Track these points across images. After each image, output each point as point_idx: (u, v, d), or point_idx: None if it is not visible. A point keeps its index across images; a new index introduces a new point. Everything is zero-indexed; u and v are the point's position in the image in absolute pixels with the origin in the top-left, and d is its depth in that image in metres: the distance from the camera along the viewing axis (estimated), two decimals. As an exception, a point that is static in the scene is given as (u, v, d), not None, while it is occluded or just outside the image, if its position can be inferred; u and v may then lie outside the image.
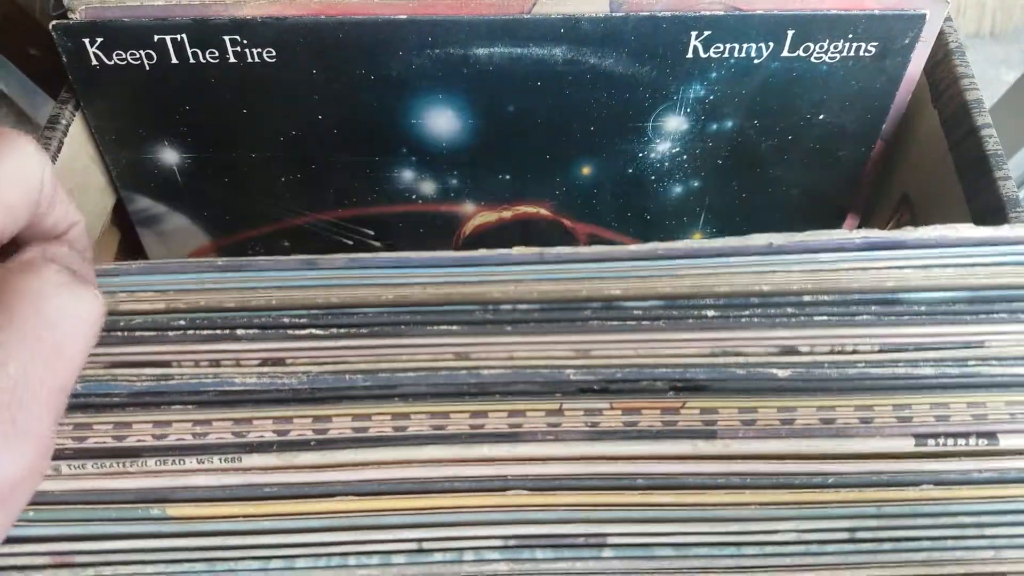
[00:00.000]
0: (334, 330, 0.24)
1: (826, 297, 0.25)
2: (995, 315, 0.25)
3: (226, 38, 0.34)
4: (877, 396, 0.24)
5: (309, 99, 0.36)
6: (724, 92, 0.37)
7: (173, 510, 0.24)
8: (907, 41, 0.36)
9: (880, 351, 0.24)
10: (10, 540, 0.24)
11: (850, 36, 0.35)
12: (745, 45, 0.35)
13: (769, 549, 0.23)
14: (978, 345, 0.24)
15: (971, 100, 0.37)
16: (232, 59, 0.35)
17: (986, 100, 0.37)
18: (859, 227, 0.45)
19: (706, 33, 0.35)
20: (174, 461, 0.24)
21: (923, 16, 0.35)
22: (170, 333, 0.24)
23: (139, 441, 0.24)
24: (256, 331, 0.24)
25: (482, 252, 0.25)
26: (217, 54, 0.34)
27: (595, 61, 0.36)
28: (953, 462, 0.24)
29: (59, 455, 0.24)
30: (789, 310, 0.24)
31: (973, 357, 0.24)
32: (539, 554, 0.23)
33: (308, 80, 0.36)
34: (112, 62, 0.35)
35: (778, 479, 0.24)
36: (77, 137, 0.36)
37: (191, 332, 0.24)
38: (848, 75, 0.37)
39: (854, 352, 0.24)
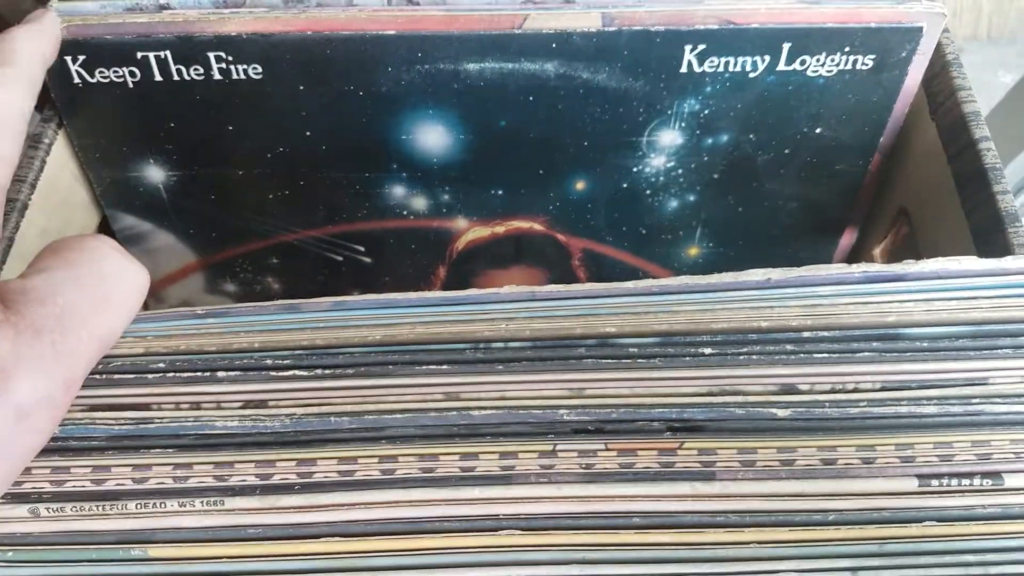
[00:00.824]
0: (318, 371, 0.23)
1: (826, 333, 0.24)
2: (999, 350, 0.24)
3: (211, 55, 0.33)
4: (879, 436, 0.23)
5: (296, 115, 0.36)
6: (719, 106, 0.36)
7: (155, 551, 0.23)
8: (904, 54, 0.35)
9: (882, 389, 0.24)
10: None
11: (847, 49, 0.35)
12: (740, 59, 0.35)
13: None
14: (982, 382, 0.24)
15: (968, 112, 0.36)
16: (217, 76, 0.34)
17: (984, 103, 0.37)
18: (857, 240, 0.45)
19: (700, 47, 0.34)
20: (154, 504, 0.23)
21: (920, 29, 0.34)
22: (149, 376, 0.23)
23: (118, 484, 0.23)
24: (237, 373, 0.23)
25: (472, 291, 0.24)
26: (202, 71, 0.34)
27: (588, 76, 0.35)
28: (956, 498, 0.23)
29: (37, 498, 0.23)
30: (788, 347, 0.24)
31: (977, 395, 0.24)
32: None
33: (295, 96, 0.35)
34: (95, 79, 0.34)
35: (778, 517, 0.23)
36: (60, 155, 0.35)
37: (171, 375, 0.23)
38: (845, 88, 0.36)
39: (855, 390, 0.24)
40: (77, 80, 0.34)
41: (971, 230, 0.35)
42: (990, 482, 0.23)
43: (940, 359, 0.24)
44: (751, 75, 0.35)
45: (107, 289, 0.22)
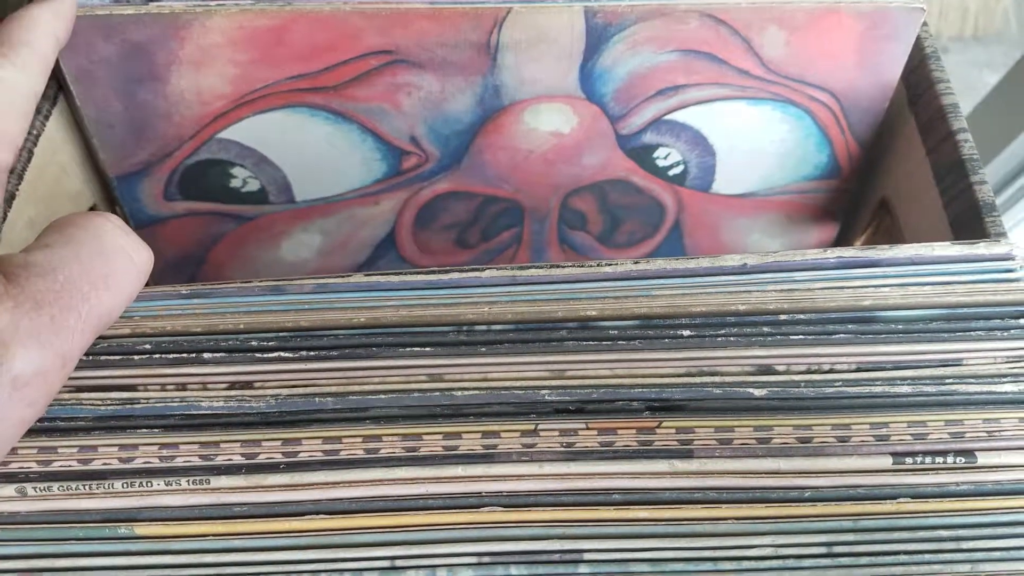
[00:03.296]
0: (303, 353, 0.24)
1: (802, 316, 0.24)
2: (972, 333, 0.24)
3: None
4: (854, 415, 0.24)
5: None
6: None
7: (141, 529, 0.23)
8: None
9: (857, 370, 0.24)
10: None
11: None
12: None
13: (746, 564, 0.23)
14: (955, 363, 0.24)
15: (947, 104, 0.36)
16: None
17: (969, 103, 0.37)
18: (839, 233, 0.46)
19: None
20: (141, 483, 0.23)
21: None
22: (135, 357, 0.24)
23: (105, 464, 0.23)
24: (223, 355, 0.24)
25: (455, 275, 0.25)
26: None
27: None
28: (930, 476, 0.24)
29: (24, 478, 0.23)
30: (765, 329, 0.24)
31: (950, 375, 0.24)
32: (513, 570, 0.23)
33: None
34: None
35: (754, 493, 0.23)
36: (48, 145, 0.36)
37: (157, 356, 0.24)
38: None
39: (831, 371, 0.24)
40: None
41: (950, 220, 0.35)
42: (963, 460, 0.24)
43: (915, 341, 0.24)
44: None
45: (109, 267, 0.22)
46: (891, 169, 0.41)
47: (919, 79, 0.38)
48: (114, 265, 0.22)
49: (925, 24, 0.38)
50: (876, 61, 0.37)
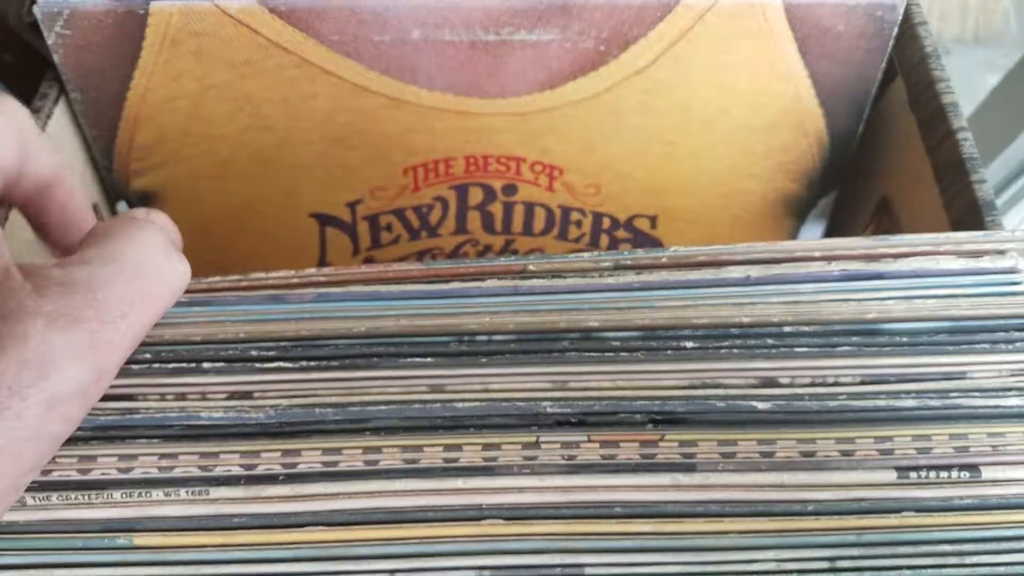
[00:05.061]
0: (303, 363, 0.24)
1: (806, 328, 0.24)
2: (977, 346, 0.24)
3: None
4: (858, 428, 0.24)
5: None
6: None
7: (140, 539, 0.23)
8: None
9: (861, 383, 0.24)
10: None
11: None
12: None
13: None
14: (960, 376, 0.24)
15: (947, 104, 0.36)
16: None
17: (970, 106, 0.37)
18: (840, 233, 0.45)
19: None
20: (140, 493, 0.23)
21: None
22: (134, 366, 0.23)
23: (104, 474, 0.23)
24: (223, 364, 0.23)
25: (456, 284, 0.25)
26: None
27: None
28: (934, 490, 0.23)
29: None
30: (769, 341, 0.24)
31: (955, 389, 0.24)
32: None
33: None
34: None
35: (758, 507, 0.23)
36: (53, 141, 0.35)
37: (156, 365, 0.23)
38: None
39: (835, 384, 0.24)
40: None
41: (950, 220, 0.35)
42: (967, 474, 0.23)
43: (919, 353, 0.24)
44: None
45: (147, 288, 0.22)
46: (891, 168, 0.41)
47: (919, 78, 0.38)
48: (152, 282, 0.22)
49: (924, 22, 0.38)
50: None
